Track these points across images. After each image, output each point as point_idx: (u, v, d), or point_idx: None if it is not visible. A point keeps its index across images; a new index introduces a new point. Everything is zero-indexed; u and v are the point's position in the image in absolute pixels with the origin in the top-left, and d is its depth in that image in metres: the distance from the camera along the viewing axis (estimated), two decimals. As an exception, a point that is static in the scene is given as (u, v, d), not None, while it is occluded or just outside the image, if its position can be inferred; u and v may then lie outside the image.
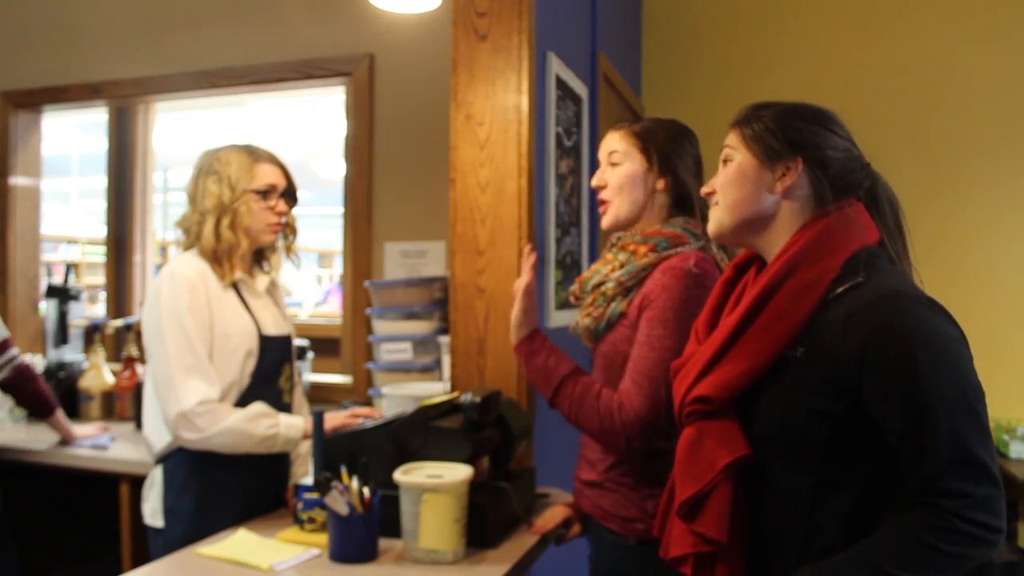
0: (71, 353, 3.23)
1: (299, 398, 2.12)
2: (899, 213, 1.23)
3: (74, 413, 3.05)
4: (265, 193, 1.92)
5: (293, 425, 1.83)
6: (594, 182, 1.69)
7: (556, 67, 2.20)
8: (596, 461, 1.64)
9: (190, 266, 1.84)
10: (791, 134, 1.20)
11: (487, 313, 1.98)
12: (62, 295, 3.23)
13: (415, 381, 2.68)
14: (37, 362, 3.16)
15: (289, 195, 1.99)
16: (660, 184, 1.63)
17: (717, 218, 1.25)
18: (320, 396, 3.06)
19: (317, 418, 1.67)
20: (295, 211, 2.04)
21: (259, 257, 2.02)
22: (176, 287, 1.80)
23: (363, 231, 3.08)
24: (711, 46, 3.53)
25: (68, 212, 7.42)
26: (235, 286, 1.90)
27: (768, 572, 1.16)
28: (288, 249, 2.07)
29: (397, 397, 2.44)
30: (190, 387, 1.74)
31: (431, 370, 2.71)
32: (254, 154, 1.94)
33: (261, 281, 1.99)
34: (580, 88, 2.47)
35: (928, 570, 1.03)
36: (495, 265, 1.98)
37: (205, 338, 1.79)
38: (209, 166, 1.91)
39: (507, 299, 1.97)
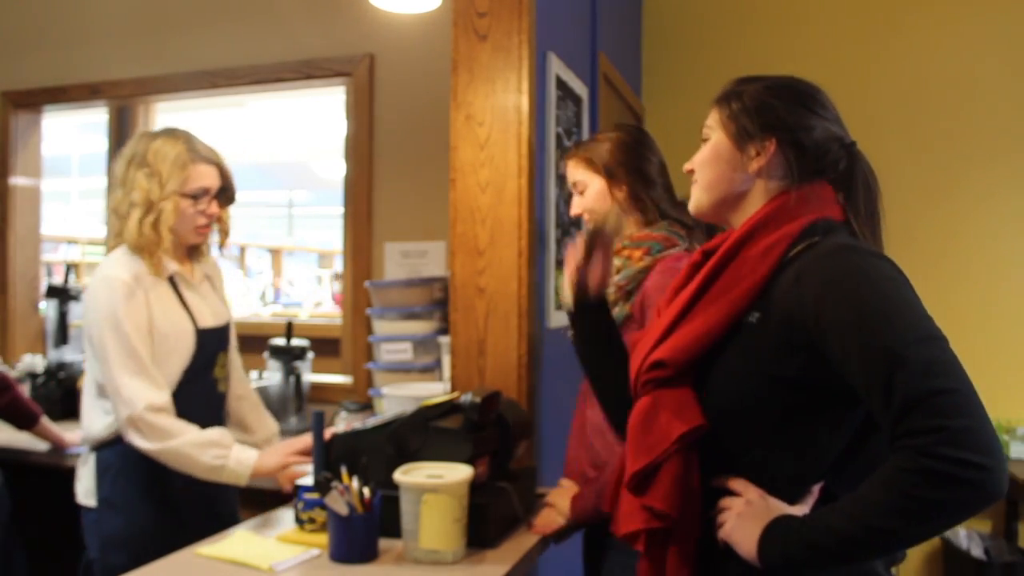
0: (71, 353, 3.23)
1: (244, 390, 2.14)
2: (874, 196, 1.21)
3: (74, 413, 3.05)
4: (196, 196, 1.88)
5: (243, 461, 1.79)
6: (573, 212, 1.78)
7: (556, 67, 2.20)
8: (604, 464, 1.65)
9: (124, 267, 1.82)
10: (766, 115, 1.19)
11: (487, 313, 1.98)
12: (62, 295, 3.23)
13: (415, 381, 2.68)
14: (37, 363, 3.16)
15: (224, 195, 1.95)
16: (620, 195, 1.72)
17: (696, 197, 1.26)
18: (320, 396, 3.06)
19: (317, 418, 1.67)
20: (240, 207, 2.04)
21: (192, 249, 2.00)
22: (112, 292, 1.78)
23: (363, 231, 3.08)
24: (711, 46, 3.53)
25: (68, 212, 7.41)
26: (171, 280, 1.89)
27: (722, 547, 1.12)
28: (221, 245, 2.05)
29: (397, 397, 2.44)
30: (136, 391, 1.75)
31: (431, 370, 2.71)
32: (192, 151, 1.87)
33: (197, 271, 1.98)
34: (580, 88, 2.47)
35: (911, 519, 0.95)
36: (495, 265, 1.97)
37: (145, 340, 1.79)
38: (142, 156, 1.86)
39: (507, 299, 1.97)
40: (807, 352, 1.06)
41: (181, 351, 1.86)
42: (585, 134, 2.54)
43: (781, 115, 1.18)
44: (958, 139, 3.22)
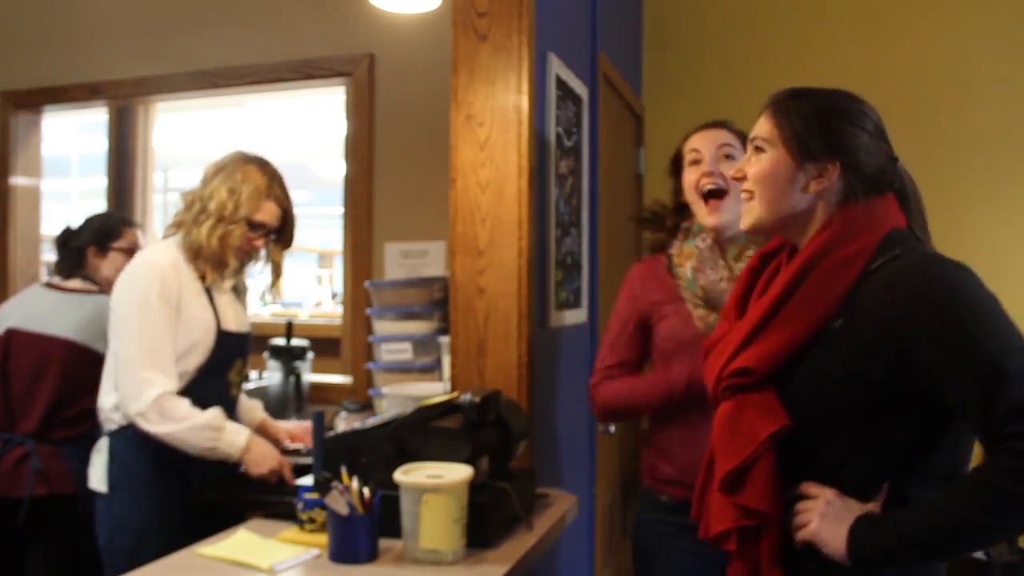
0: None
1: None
2: (922, 205, 1.27)
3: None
4: (255, 227, 1.99)
5: (234, 443, 1.86)
6: (734, 174, 1.73)
7: (556, 67, 2.20)
8: None
9: (167, 256, 1.92)
10: (829, 136, 1.21)
11: (487, 313, 1.98)
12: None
13: (415, 381, 2.68)
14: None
15: (281, 236, 2.07)
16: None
17: (755, 214, 1.26)
18: (320, 396, 3.06)
19: (317, 418, 1.68)
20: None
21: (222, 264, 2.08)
22: (151, 273, 1.88)
23: (363, 231, 3.08)
24: (711, 46, 3.52)
25: (68, 212, 7.42)
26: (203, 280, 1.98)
27: (799, 547, 1.17)
28: (273, 286, 2.15)
29: (397, 397, 2.44)
30: (151, 378, 1.81)
31: (431, 370, 2.71)
32: (271, 187, 2.01)
33: (227, 279, 2.06)
34: (580, 88, 2.47)
35: (1010, 515, 1.02)
36: (495, 265, 1.97)
37: (171, 325, 1.87)
38: (231, 172, 1.98)
39: (507, 299, 1.97)
40: (894, 356, 1.10)
41: (201, 346, 1.93)
42: (585, 134, 2.53)
43: (843, 137, 1.21)
44: (960, 141, 3.22)
